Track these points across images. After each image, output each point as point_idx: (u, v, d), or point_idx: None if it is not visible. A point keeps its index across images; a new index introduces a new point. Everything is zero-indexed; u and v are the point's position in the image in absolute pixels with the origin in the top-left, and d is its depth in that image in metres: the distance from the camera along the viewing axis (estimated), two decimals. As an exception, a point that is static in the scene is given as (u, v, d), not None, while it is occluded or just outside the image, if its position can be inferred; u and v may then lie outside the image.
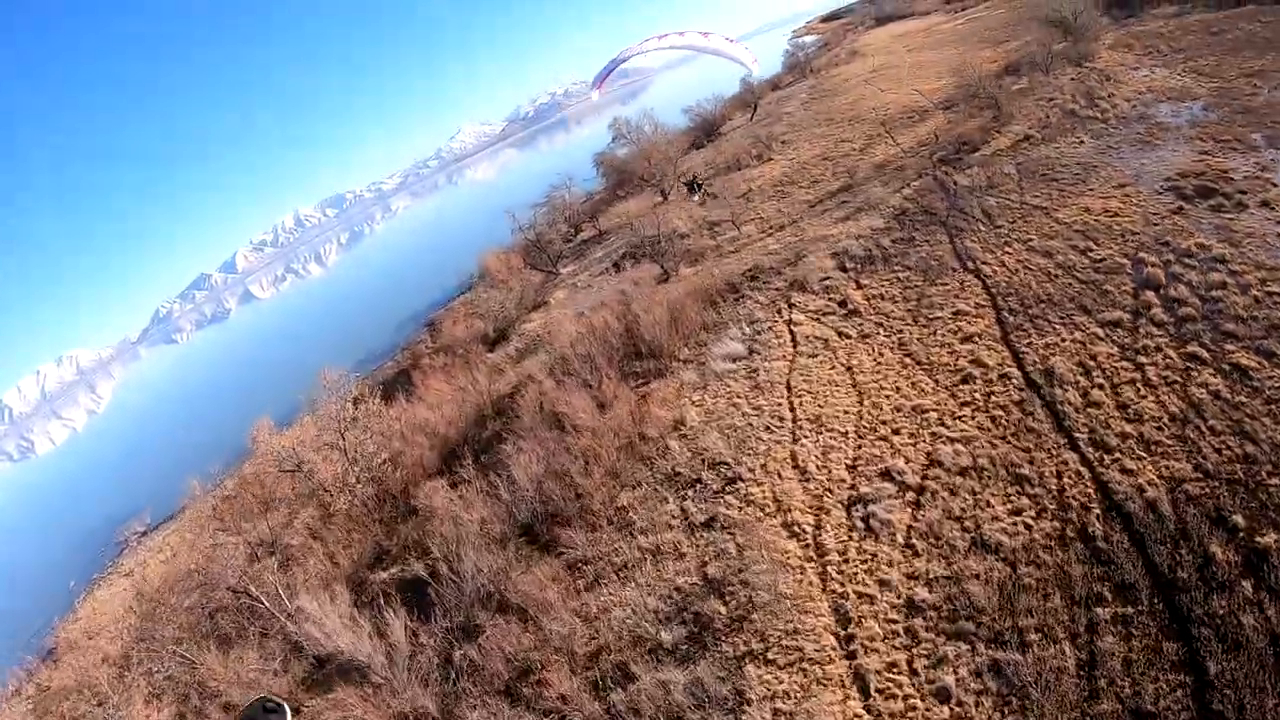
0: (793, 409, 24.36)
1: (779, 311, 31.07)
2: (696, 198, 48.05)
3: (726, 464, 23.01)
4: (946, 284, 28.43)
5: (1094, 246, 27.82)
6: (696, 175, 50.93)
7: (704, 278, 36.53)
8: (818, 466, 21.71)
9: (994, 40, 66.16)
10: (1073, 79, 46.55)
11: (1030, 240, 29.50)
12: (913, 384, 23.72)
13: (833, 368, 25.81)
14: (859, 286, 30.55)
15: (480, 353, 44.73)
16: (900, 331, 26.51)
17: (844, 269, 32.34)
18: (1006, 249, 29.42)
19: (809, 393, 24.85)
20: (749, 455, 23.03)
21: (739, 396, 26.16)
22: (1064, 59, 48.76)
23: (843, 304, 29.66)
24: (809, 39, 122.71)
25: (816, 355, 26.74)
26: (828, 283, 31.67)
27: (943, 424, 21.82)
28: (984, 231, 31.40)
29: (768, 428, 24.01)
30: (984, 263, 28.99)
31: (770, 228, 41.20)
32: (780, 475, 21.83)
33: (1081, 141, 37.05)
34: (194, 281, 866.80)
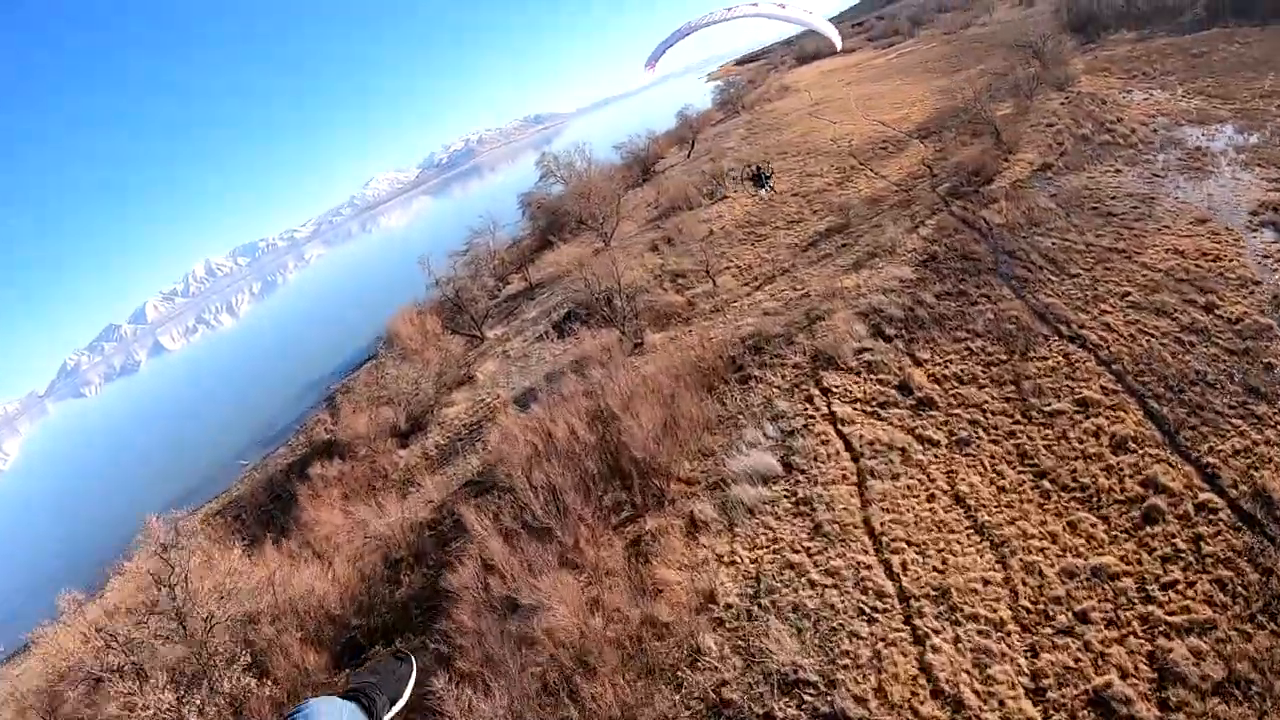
0: (895, 575, 15.47)
1: (810, 400, 22.45)
2: (764, 191, 37.09)
3: (813, 685, 13.78)
4: (1045, 358, 20.63)
5: (1217, 300, 20.86)
6: (761, 163, 41.68)
7: (686, 349, 27.67)
8: (978, 692, 12.82)
9: (942, 70, 61.87)
10: (1063, 103, 41.38)
11: (1128, 293, 22.30)
12: (1071, 525, 15.35)
13: (931, 497, 17.17)
14: (917, 362, 22.38)
15: (389, 450, 34.00)
16: (1013, 435, 18.27)
17: (883, 335, 24.20)
18: (1103, 306, 22.05)
19: (911, 543, 16.04)
20: (846, 669, 13.87)
21: (795, 548, 17.06)
22: (1044, 84, 43.65)
23: (904, 388, 21.34)
24: (732, 79, 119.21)
25: (898, 476, 18.07)
26: (868, 356, 23.38)
27: (1150, 599, 13.51)
28: (1057, 282, 24.07)
29: (862, 610, 14.96)
30: (1083, 326, 21.45)
31: (756, 279, 32.94)
32: (917, 713, 12.79)
33: (1118, 170, 30.92)
34: (103, 333, 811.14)
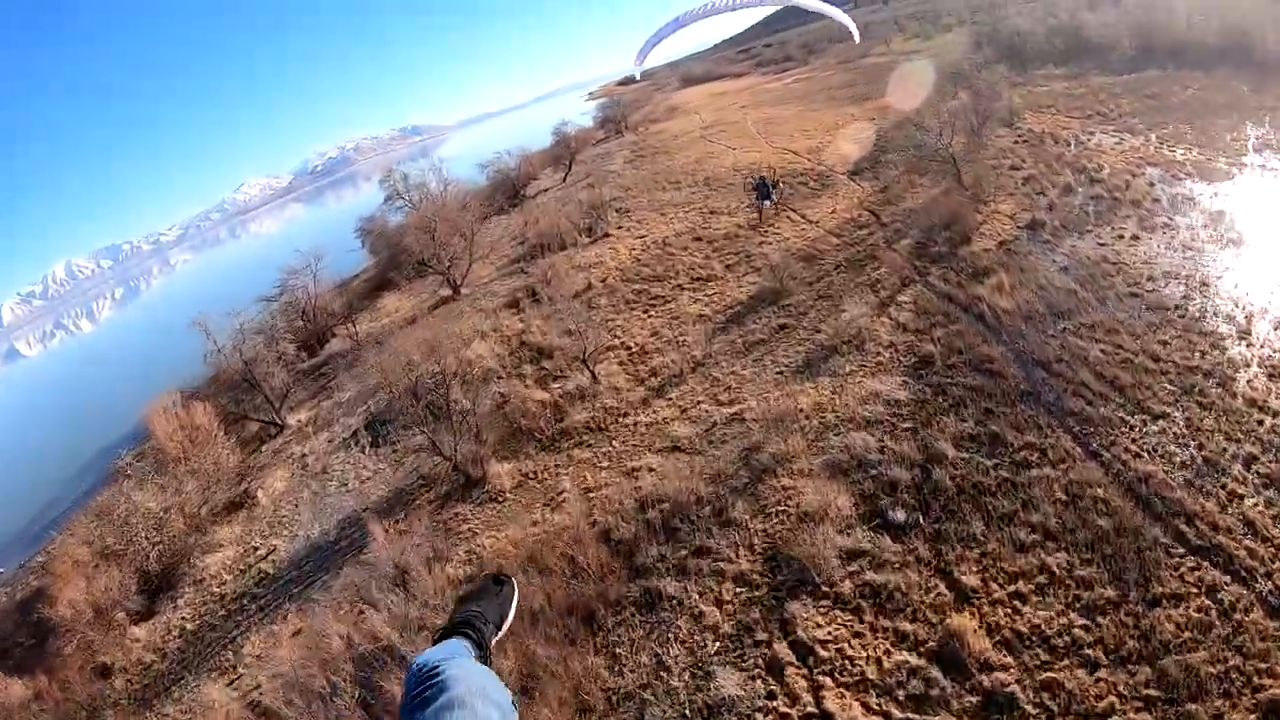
0: None
1: (773, 670, 11.67)
2: (769, 203, 30.62)
3: None
4: (1180, 598, 11.12)
5: None
6: (770, 174, 31.88)
7: (545, 518, 16.24)
8: None
9: (850, 98, 54.44)
10: (1017, 142, 33.82)
11: (1254, 458, 13.45)
12: None
13: None
14: (961, 593, 12.13)
15: (121, 626, 20.34)
16: None
17: (885, 521, 13.83)
18: (1227, 482, 13.07)
19: None
20: None
21: None
22: (990, 118, 36.07)
23: (948, 661, 10.98)
24: (614, 98, 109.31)
25: None
26: (868, 574, 12.90)
27: None
28: (1138, 426, 14.84)
29: None
30: (1214, 525, 12.22)
31: (656, 375, 22.00)
32: None
33: (1135, 236, 22.79)
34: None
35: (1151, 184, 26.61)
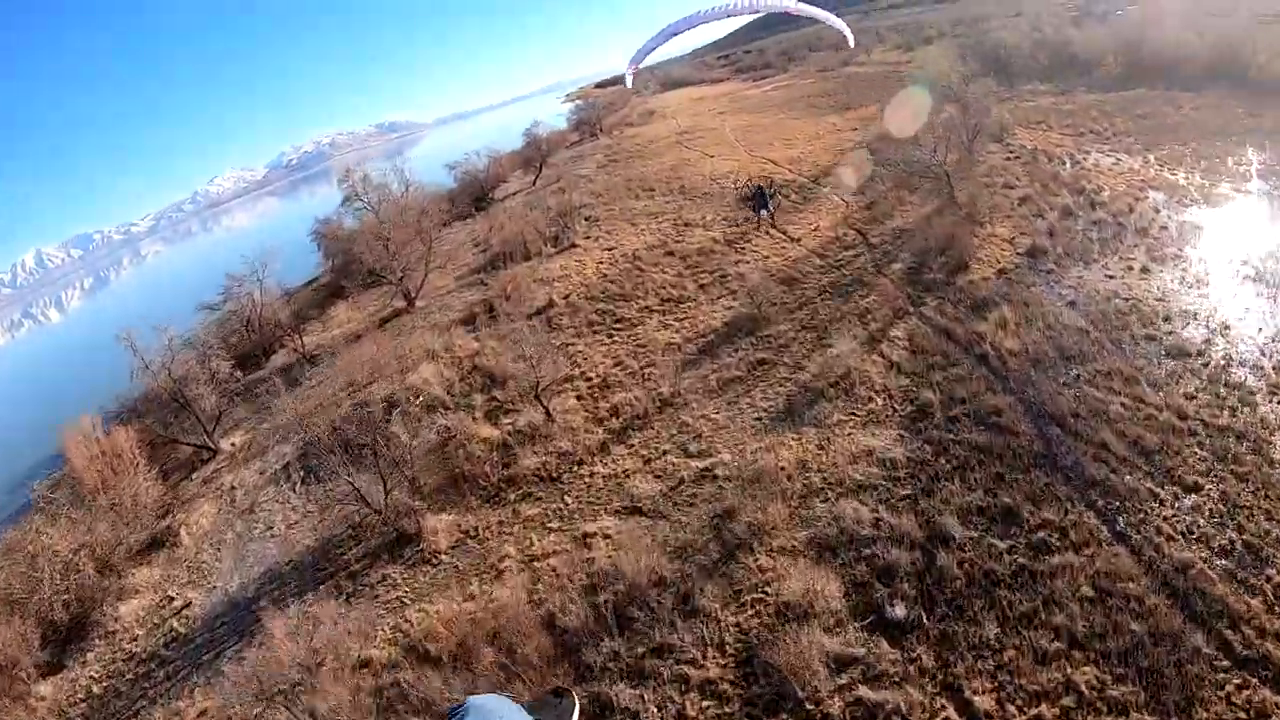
0: None
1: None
2: (765, 213, 27.78)
3: None
4: None
5: None
6: (767, 183, 29.02)
7: (484, 589, 13.69)
8: None
9: (831, 106, 52.56)
10: (1009, 159, 32.01)
11: None
12: None
13: None
14: (963, 700, 9.87)
15: (26, 688, 17.34)
16: None
17: (879, 619, 11.51)
18: (1273, 573, 11.00)
19: None
20: None
21: None
22: (980, 133, 34.21)
23: None
24: (590, 101, 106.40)
25: None
26: (859, 688, 10.57)
27: None
28: (1168, 502, 12.77)
29: None
30: (1261, 631, 10.17)
31: (618, 415, 19.50)
32: None
33: (1145, 268, 20.91)
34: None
35: (1156, 209, 24.78)
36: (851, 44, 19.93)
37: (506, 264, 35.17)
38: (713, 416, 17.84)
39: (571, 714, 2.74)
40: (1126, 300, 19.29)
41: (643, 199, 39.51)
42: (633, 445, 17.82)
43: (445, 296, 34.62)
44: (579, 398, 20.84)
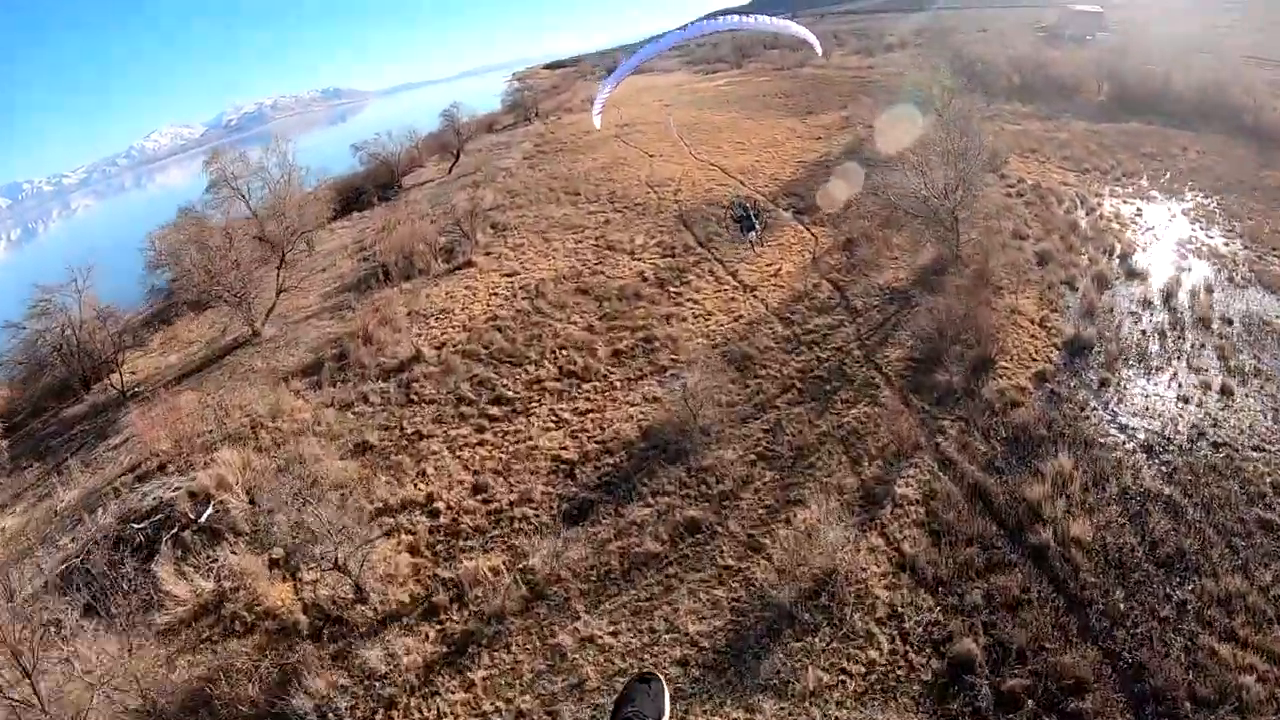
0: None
1: None
2: (754, 234, 20.19)
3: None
4: None
5: None
6: (751, 202, 22.59)
7: None
8: None
9: (790, 109, 44.96)
10: (1011, 196, 25.13)
11: None
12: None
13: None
14: None
15: None
16: None
17: None
18: None
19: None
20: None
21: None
22: (976, 161, 27.23)
23: None
24: (535, 82, 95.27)
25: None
26: None
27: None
28: None
29: None
30: None
31: (457, 600, 11.35)
32: None
33: (1225, 389, 14.21)
34: None
35: (1209, 289, 18.16)
36: (819, 52, 17.10)
37: (384, 282, 26.32)
38: (606, 641, 9.95)
39: (664, 695, 2.53)
40: (1219, 449, 12.35)
41: (564, 204, 31.03)
42: (472, 684, 9.77)
43: (300, 324, 25.54)
44: (413, 550, 12.61)
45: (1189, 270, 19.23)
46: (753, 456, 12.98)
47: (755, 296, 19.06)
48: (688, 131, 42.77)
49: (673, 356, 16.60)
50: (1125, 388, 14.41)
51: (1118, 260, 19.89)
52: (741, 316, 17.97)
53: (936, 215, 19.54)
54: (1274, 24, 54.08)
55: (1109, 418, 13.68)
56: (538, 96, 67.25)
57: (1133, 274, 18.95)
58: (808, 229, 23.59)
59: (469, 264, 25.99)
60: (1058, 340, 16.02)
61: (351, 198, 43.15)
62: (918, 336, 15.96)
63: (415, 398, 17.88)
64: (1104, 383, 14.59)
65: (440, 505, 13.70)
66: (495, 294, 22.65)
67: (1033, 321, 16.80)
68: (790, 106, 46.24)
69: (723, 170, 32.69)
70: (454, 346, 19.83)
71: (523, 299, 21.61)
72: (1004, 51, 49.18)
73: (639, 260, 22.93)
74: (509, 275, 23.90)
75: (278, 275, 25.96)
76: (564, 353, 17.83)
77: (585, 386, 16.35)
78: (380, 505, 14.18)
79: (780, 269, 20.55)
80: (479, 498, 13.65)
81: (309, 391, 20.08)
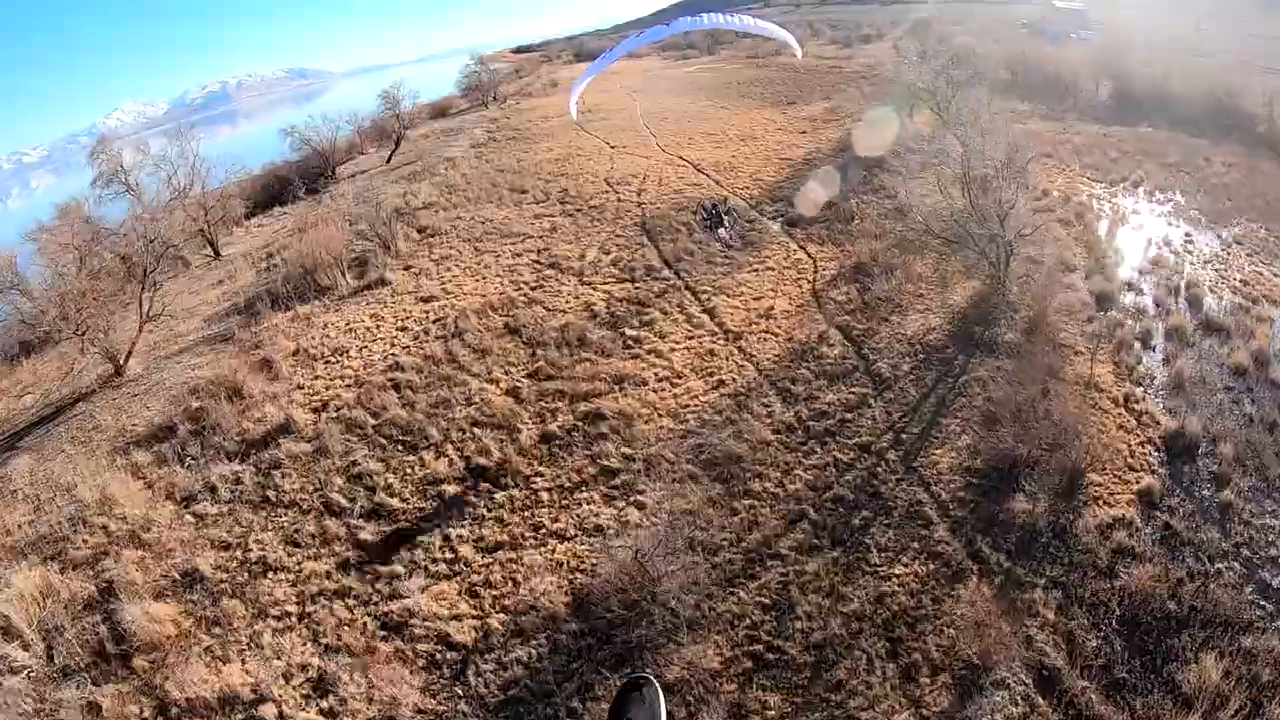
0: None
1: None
2: (722, 231, 18.14)
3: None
4: None
5: None
6: (722, 201, 20.46)
7: None
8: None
9: (769, 99, 39.53)
10: (1039, 210, 20.19)
11: None
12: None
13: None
14: None
15: None
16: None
17: None
18: None
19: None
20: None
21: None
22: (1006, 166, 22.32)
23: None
24: (498, 66, 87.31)
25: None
26: None
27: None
28: None
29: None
30: None
31: None
32: None
33: None
34: None
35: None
36: (799, 54, 16.68)
37: (281, 303, 20.34)
38: None
39: (658, 703, 2.40)
40: None
41: (507, 204, 25.23)
42: None
43: (174, 359, 19.47)
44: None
45: (1272, 325, 14.56)
46: (747, 663, 7.75)
47: (740, 350, 13.73)
48: (655, 121, 37.11)
49: (625, 450, 11.22)
50: (1254, 517, 9.59)
51: (1186, 304, 15.14)
52: (723, 383, 12.62)
53: (976, 243, 14.47)
54: (1262, 29, 50.44)
55: (1246, 573, 8.83)
56: (498, 80, 60.31)
57: (1211, 327, 14.14)
58: (802, 247, 18.31)
59: (382, 282, 20.14)
60: (1154, 434, 11.09)
61: (277, 190, 36.56)
62: (972, 427, 10.88)
63: (272, 496, 12.26)
64: (1226, 510, 9.73)
65: (269, 715, 8.23)
66: (404, 328, 16.91)
67: (1115, 402, 11.84)
68: (768, 96, 40.78)
69: (695, 166, 27.23)
70: (336, 410, 14.15)
71: (436, 337, 15.95)
72: (994, 46, 44.46)
73: (588, 286, 17.38)
74: (426, 301, 18.13)
75: (140, 303, 19.68)
76: (476, 432, 12.31)
77: (498, 497, 10.88)
78: (184, 704, 8.68)
79: (773, 306, 15.23)
80: (319, 706, 8.22)
81: (153, 468, 14.28)
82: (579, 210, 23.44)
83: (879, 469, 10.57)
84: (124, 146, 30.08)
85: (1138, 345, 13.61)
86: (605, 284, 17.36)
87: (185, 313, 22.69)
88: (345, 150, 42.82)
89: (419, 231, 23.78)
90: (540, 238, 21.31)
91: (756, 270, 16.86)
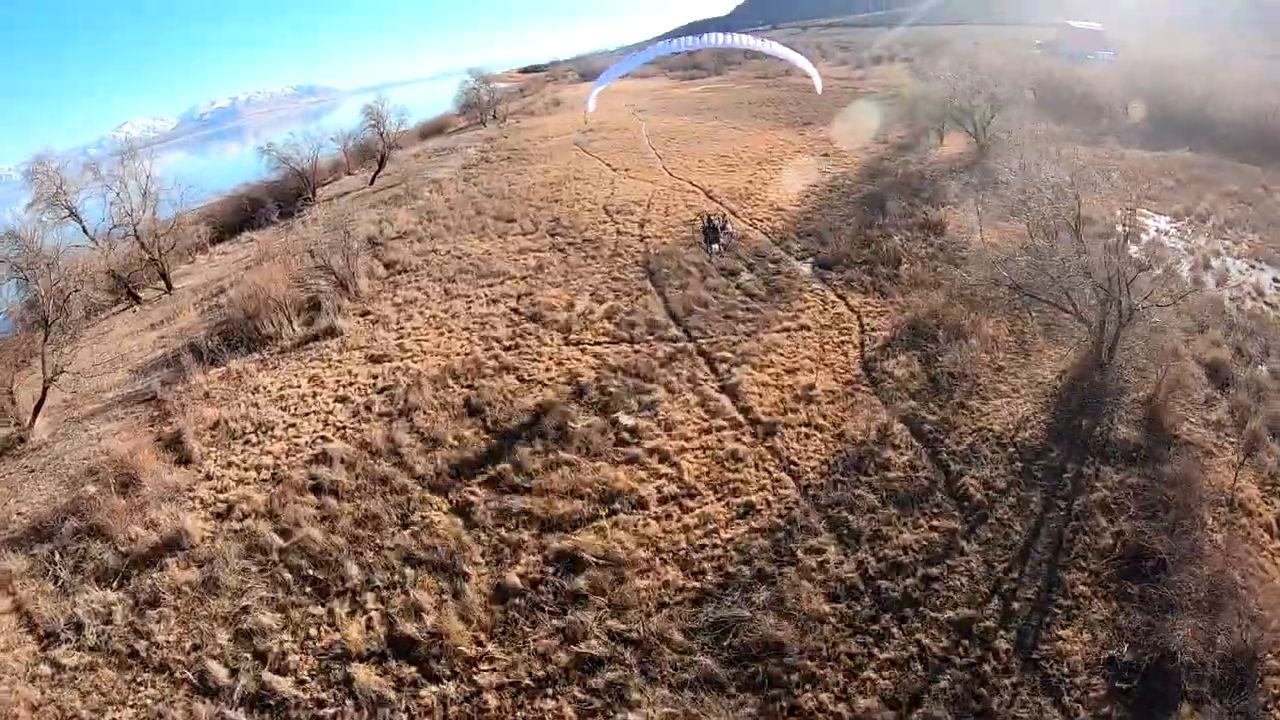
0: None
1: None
2: (717, 246, 16.07)
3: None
4: None
5: None
6: (719, 216, 17.96)
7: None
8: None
9: (784, 119, 36.16)
10: (1110, 251, 16.51)
11: None
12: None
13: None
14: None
15: None
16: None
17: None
18: None
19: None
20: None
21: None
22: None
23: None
24: (503, 85, 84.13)
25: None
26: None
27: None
28: None
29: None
30: None
31: None
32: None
33: None
34: None
35: None
36: (819, 89, 15.82)
37: (211, 356, 16.75)
38: None
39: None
40: None
41: (490, 236, 21.65)
42: None
43: (87, 421, 15.92)
44: None
45: None
46: None
47: (773, 452, 10.01)
48: (662, 141, 33.66)
49: (613, 624, 7.51)
50: None
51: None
52: (753, 507, 8.92)
53: (1074, 305, 10.83)
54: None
55: None
56: (498, 98, 57.15)
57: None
58: (842, 298, 14.63)
59: (332, 332, 16.52)
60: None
61: (250, 212, 33.13)
62: (1104, 589, 7.20)
63: (142, 650, 8.69)
64: None
65: None
66: (345, 398, 13.24)
67: (1269, 530, 8.17)
68: (782, 116, 37.36)
69: (706, 193, 23.68)
70: (241, 519, 10.50)
71: (380, 415, 12.29)
72: (1020, 65, 41.04)
73: (575, 347, 13.73)
74: (377, 360, 14.48)
75: (43, 359, 16.05)
76: (408, 574, 8.62)
77: (425, 695, 7.13)
78: None
79: (813, 384, 11.51)
80: None
81: (26, 581, 10.71)
82: (571, 244, 19.86)
83: (986, 667, 6.85)
84: (64, 164, 26.41)
85: (1269, 438, 9.91)
86: (597, 343, 13.70)
87: (113, 362, 19.16)
88: (330, 170, 39.48)
89: (386, 267, 20.19)
90: (523, 278, 17.70)
91: (788, 330, 13.18)
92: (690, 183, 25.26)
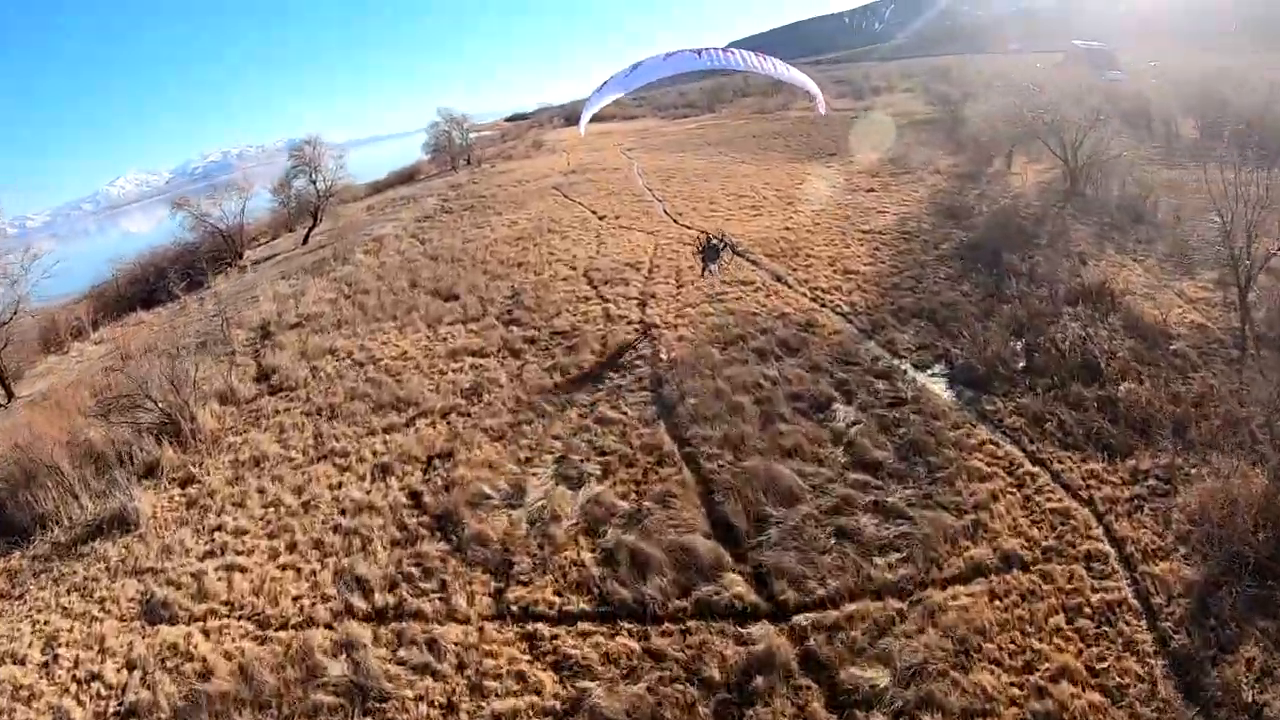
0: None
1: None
2: (714, 266, 13.02)
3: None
4: None
5: None
6: (719, 238, 13.30)
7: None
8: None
9: (799, 150, 29.32)
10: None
11: None
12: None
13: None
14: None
15: None
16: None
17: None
18: None
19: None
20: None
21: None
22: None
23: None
24: (486, 133, 77.23)
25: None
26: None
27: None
28: None
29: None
30: None
31: None
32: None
33: None
34: None
35: None
36: (822, 110, 14.56)
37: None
38: None
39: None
40: None
41: (416, 323, 14.23)
42: None
43: None
44: None
45: None
46: None
47: None
48: (660, 180, 26.46)
49: None
50: None
51: None
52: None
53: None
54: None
55: None
56: (473, 143, 50.38)
57: None
58: (1043, 464, 7.10)
59: (120, 523, 8.95)
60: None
61: (154, 285, 25.60)
62: None
63: None
64: None
65: None
66: (79, 700, 5.63)
67: None
68: (796, 147, 30.48)
69: (733, 249, 16.30)
70: None
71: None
72: (1056, 82, 34.54)
73: (513, 623, 6.16)
74: (149, 616, 6.87)
75: None
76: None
77: None
78: None
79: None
80: None
81: None
82: (533, 340, 12.38)
83: None
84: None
85: None
86: (562, 617, 6.11)
87: None
88: (268, 226, 32.18)
89: (257, 380, 12.67)
90: (445, 415, 10.15)
91: (982, 568, 5.61)
92: (703, 232, 17.93)
